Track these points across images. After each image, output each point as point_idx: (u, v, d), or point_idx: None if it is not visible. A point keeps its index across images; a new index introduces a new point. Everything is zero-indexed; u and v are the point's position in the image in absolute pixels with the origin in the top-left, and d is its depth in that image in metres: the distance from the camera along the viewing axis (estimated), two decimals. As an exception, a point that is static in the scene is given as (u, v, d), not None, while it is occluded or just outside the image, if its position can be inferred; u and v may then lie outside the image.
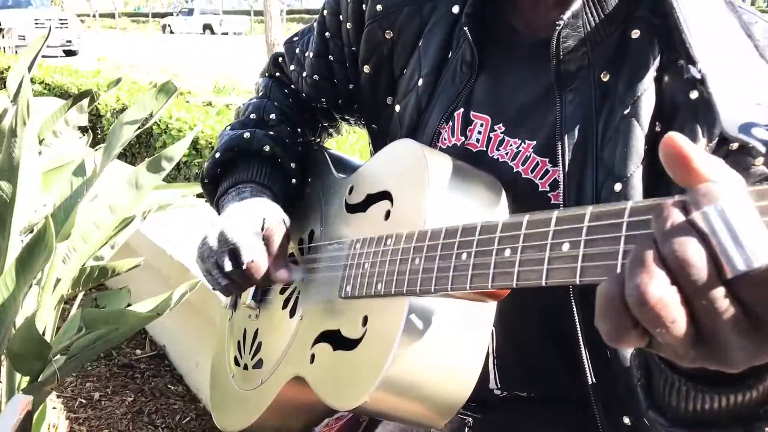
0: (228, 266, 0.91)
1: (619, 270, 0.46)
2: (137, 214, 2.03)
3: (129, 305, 1.70)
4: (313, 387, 0.81)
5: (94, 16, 51.81)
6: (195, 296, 1.81)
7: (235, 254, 0.91)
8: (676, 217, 0.41)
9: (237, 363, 1.05)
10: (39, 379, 1.45)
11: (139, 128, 1.68)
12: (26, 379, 1.54)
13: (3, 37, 12.14)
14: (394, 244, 0.74)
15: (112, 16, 53.90)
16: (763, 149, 0.49)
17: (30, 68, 2.65)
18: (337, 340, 0.80)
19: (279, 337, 0.94)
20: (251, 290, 1.04)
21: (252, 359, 1.01)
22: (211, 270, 0.94)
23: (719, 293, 0.40)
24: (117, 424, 2.45)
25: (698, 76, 0.60)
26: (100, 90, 5.95)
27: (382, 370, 0.69)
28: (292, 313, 0.94)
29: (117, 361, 2.88)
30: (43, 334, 1.63)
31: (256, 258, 0.90)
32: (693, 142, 0.70)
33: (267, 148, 1.05)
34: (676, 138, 0.43)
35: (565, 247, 0.52)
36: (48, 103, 2.94)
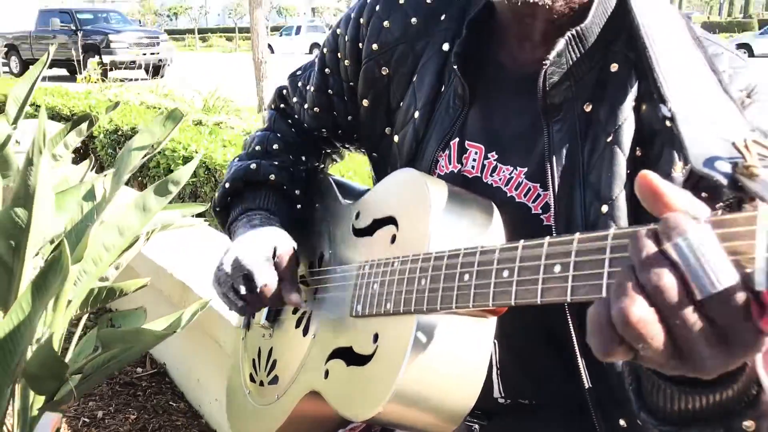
0: (243, 290, 1.02)
1: (605, 288, 0.54)
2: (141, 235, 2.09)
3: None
4: (328, 400, 0.88)
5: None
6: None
7: (249, 279, 1.02)
8: (650, 247, 0.50)
9: (253, 380, 1.12)
10: (55, 398, 1.51)
11: (146, 155, 1.75)
12: (40, 398, 1.59)
13: (85, 68, 10.83)
14: (401, 265, 0.81)
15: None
16: (725, 181, 0.56)
17: (30, 93, 2.70)
18: (349, 356, 0.87)
19: (293, 355, 1.01)
20: (264, 311, 1.11)
21: (268, 376, 1.08)
22: (227, 293, 1.04)
23: (691, 312, 0.48)
24: (121, 441, 2.49)
25: (668, 114, 0.68)
26: (92, 111, 5.98)
27: (394, 383, 0.76)
28: (305, 332, 1.02)
29: (119, 379, 2.92)
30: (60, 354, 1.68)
31: (269, 282, 1.00)
32: (670, 164, 0.79)
33: (273, 176, 1.15)
34: (649, 176, 0.51)
35: (557, 268, 0.60)
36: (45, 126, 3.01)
